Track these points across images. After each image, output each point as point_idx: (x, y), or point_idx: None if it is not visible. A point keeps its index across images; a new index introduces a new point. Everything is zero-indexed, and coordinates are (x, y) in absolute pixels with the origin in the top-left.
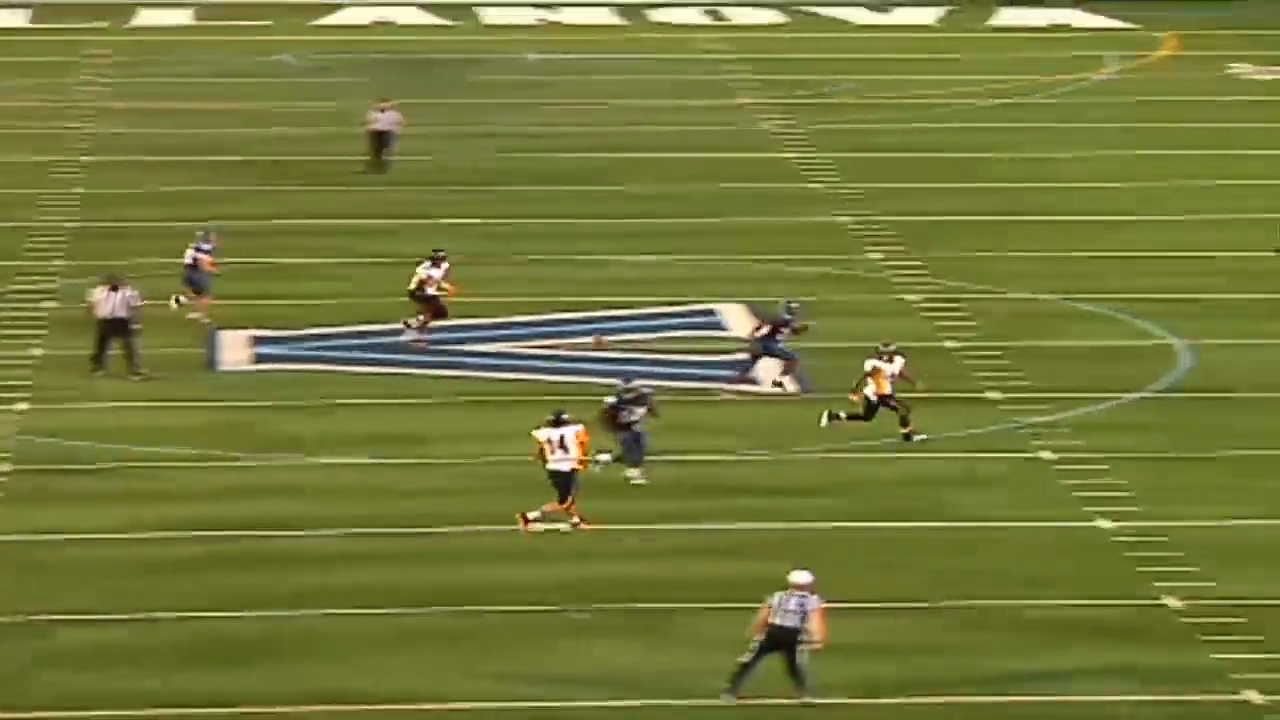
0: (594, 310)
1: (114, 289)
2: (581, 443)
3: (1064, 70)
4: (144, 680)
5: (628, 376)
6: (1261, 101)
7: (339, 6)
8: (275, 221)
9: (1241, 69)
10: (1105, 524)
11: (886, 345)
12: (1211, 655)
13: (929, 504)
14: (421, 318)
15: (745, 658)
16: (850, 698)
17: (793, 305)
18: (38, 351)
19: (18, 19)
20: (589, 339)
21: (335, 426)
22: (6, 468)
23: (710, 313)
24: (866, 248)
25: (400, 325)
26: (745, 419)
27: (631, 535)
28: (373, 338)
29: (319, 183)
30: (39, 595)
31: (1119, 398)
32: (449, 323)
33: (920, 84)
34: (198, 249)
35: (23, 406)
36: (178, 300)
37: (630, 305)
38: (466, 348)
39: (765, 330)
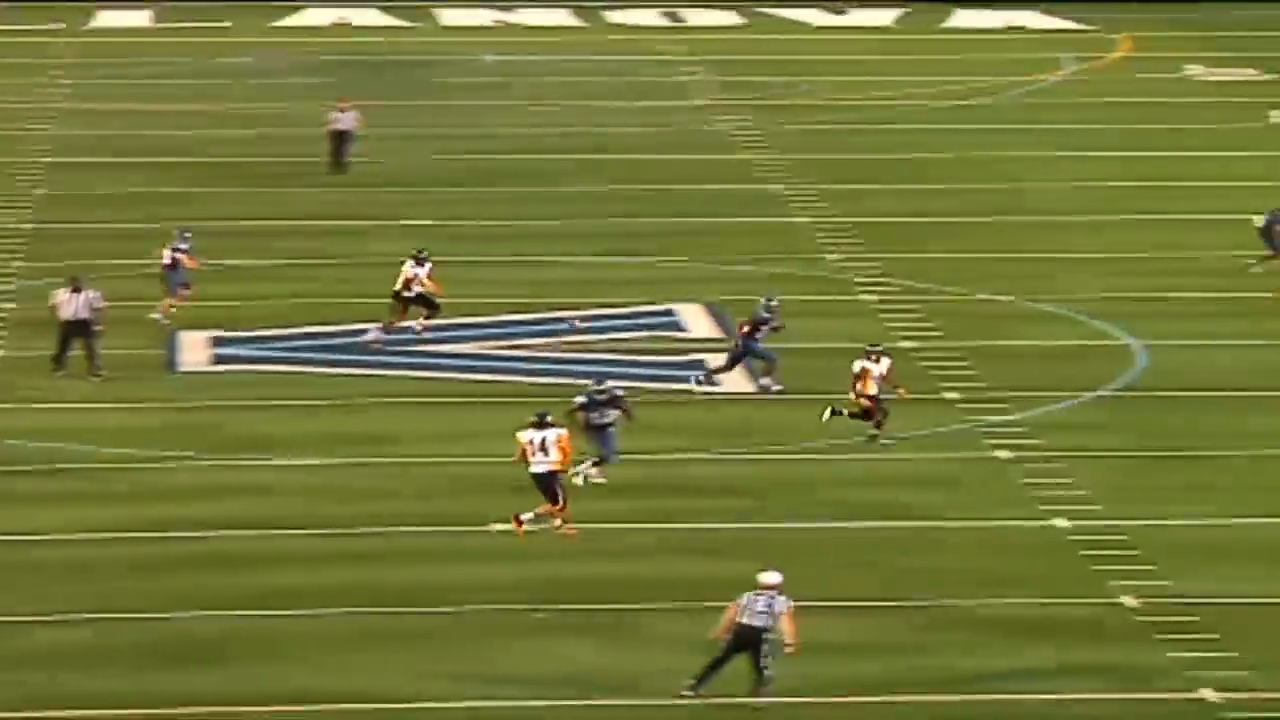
0: (550, 311)
1: (77, 290)
2: (563, 447)
3: (1020, 72)
4: (106, 680)
5: (599, 378)
6: (1215, 103)
7: (298, 7)
8: (235, 222)
9: (1196, 70)
10: (1062, 523)
11: (874, 346)
12: (1168, 654)
13: (887, 504)
14: (423, 318)
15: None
16: (809, 697)
17: (771, 303)
18: None
19: None
20: (555, 337)
21: (294, 427)
22: None
23: (669, 313)
24: (824, 248)
25: (416, 326)
26: (704, 419)
27: (591, 535)
28: (332, 338)
29: (278, 184)
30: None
31: (1076, 398)
32: (408, 323)
33: (877, 85)
34: (175, 249)
35: None
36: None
37: (589, 306)
38: (427, 348)
39: (747, 329)
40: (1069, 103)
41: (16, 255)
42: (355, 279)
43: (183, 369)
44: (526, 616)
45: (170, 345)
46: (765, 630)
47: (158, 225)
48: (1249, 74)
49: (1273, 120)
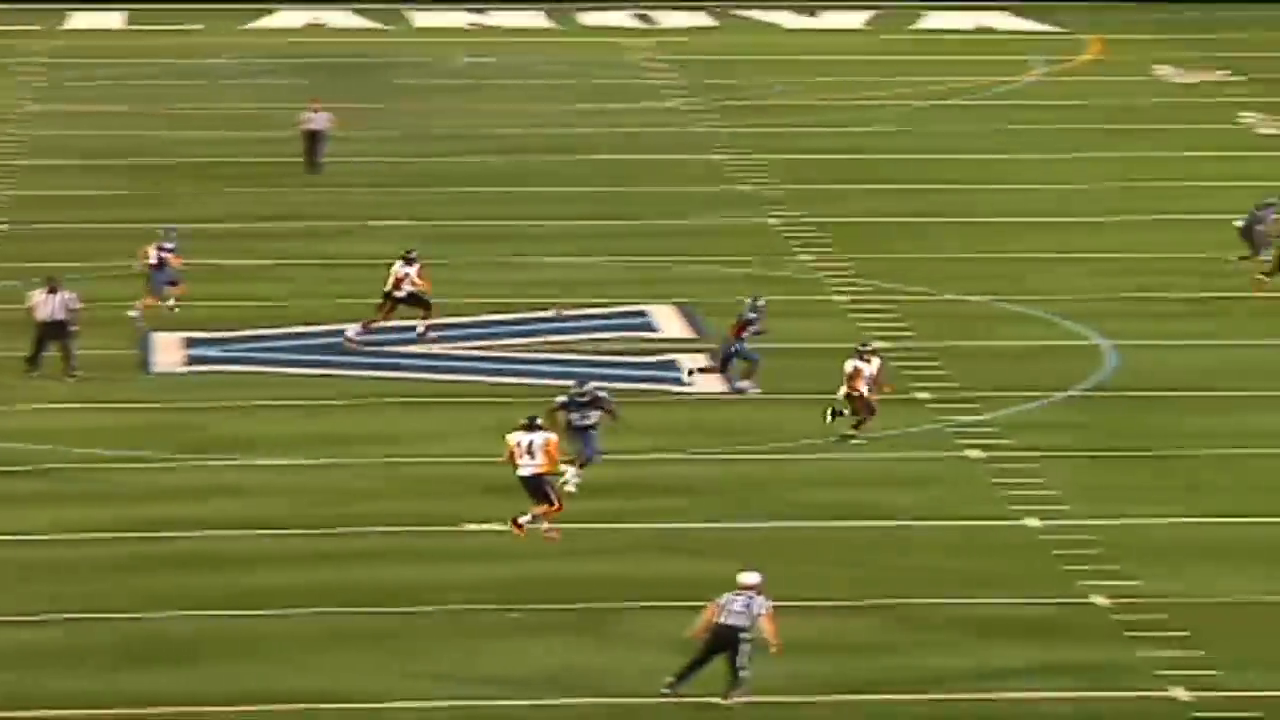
0: (525, 311)
1: (53, 291)
2: (549, 451)
3: (990, 73)
4: (82, 680)
5: (582, 380)
6: (1185, 103)
7: (271, 10)
8: (207, 224)
9: (1165, 71)
10: (1033, 523)
11: (865, 345)
12: (1138, 652)
13: (858, 504)
14: (420, 319)
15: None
16: (779, 697)
17: (758, 304)
18: None
19: None
20: (530, 337)
21: (268, 428)
22: None
23: (641, 314)
24: (795, 249)
25: (419, 328)
26: (677, 419)
27: (565, 534)
28: (305, 339)
29: (252, 185)
30: None
31: (1047, 397)
32: (389, 324)
33: (848, 86)
34: (161, 248)
35: None
36: (171, 307)
37: (562, 306)
38: (398, 349)
39: (733, 329)
40: (1039, 104)
41: None
42: (329, 280)
43: (157, 370)
44: (501, 616)
45: (144, 346)
46: (742, 630)
47: (131, 226)
48: (1218, 75)
49: (1242, 121)
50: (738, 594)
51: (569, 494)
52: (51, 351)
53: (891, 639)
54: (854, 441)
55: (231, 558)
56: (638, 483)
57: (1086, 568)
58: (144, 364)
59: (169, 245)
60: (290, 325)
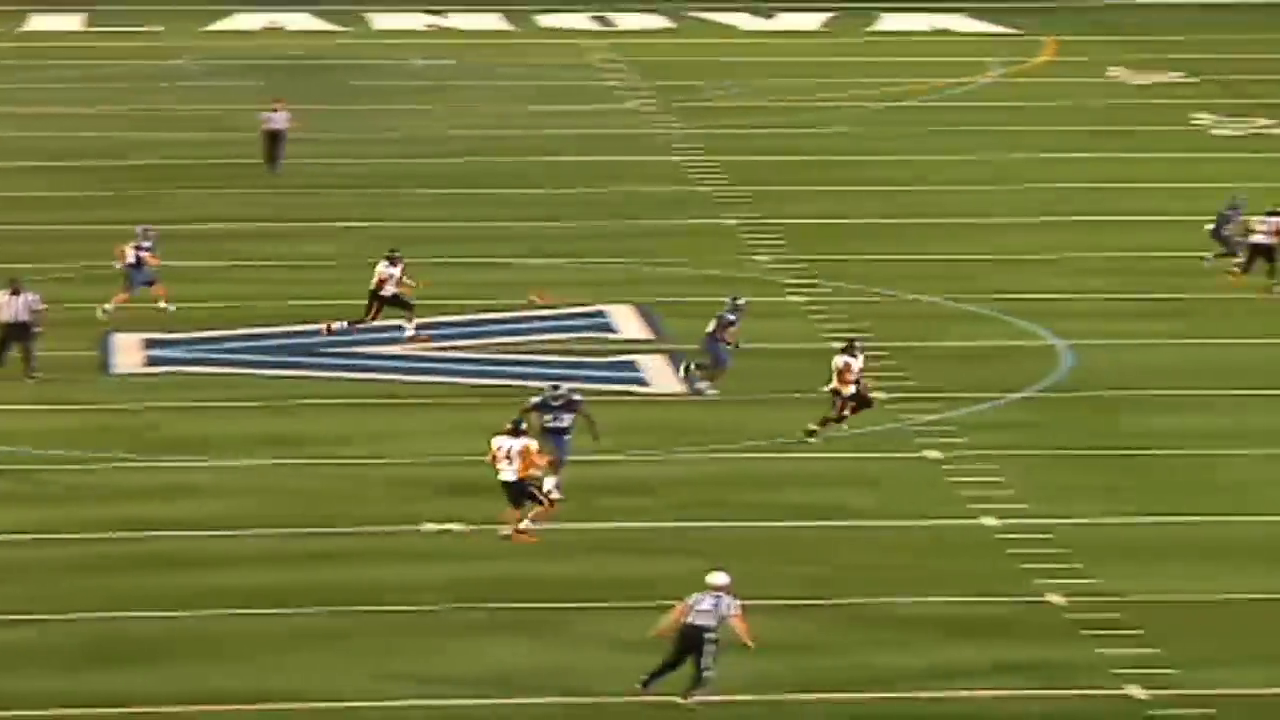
0: (484, 313)
1: (16, 293)
2: (525, 457)
3: (946, 75)
4: (44, 681)
5: (556, 384)
6: (1139, 105)
7: (229, 12)
8: (168, 226)
9: (1119, 73)
10: (990, 521)
11: (851, 342)
12: (1094, 650)
13: (817, 503)
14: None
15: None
16: (739, 695)
17: (739, 303)
18: None
19: None
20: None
21: (229, 428)
22: None
23: (600, 314)
24: (753, 250)
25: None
26: (634, 420)
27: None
28: (265, 340)
29: (212, 185)
30: None
31: (1003, 397)
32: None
33: (805, 88)
34: (139, 248)
35: None
36: (162, 308)
37: (521, 307)
38: (358, 350)
39: (711, 328)
40: (995, 105)
41: None
42: (290, 281)
43: (117, 371)
44: (460, 616)
45: (105, 347)
46: (708, 630)
47: (91, 228)
48: (1172, 76)
49: (1196, 122)
50: (707, 594)
51: (560, 500)
52: (14, 352)
53: (848, 638)
54: (813, 439)
55: (194, 558)
56: (597, 483)
57: (1043, 566)
58: (104, 365)
59: (146, 244)
60: (250, 326)
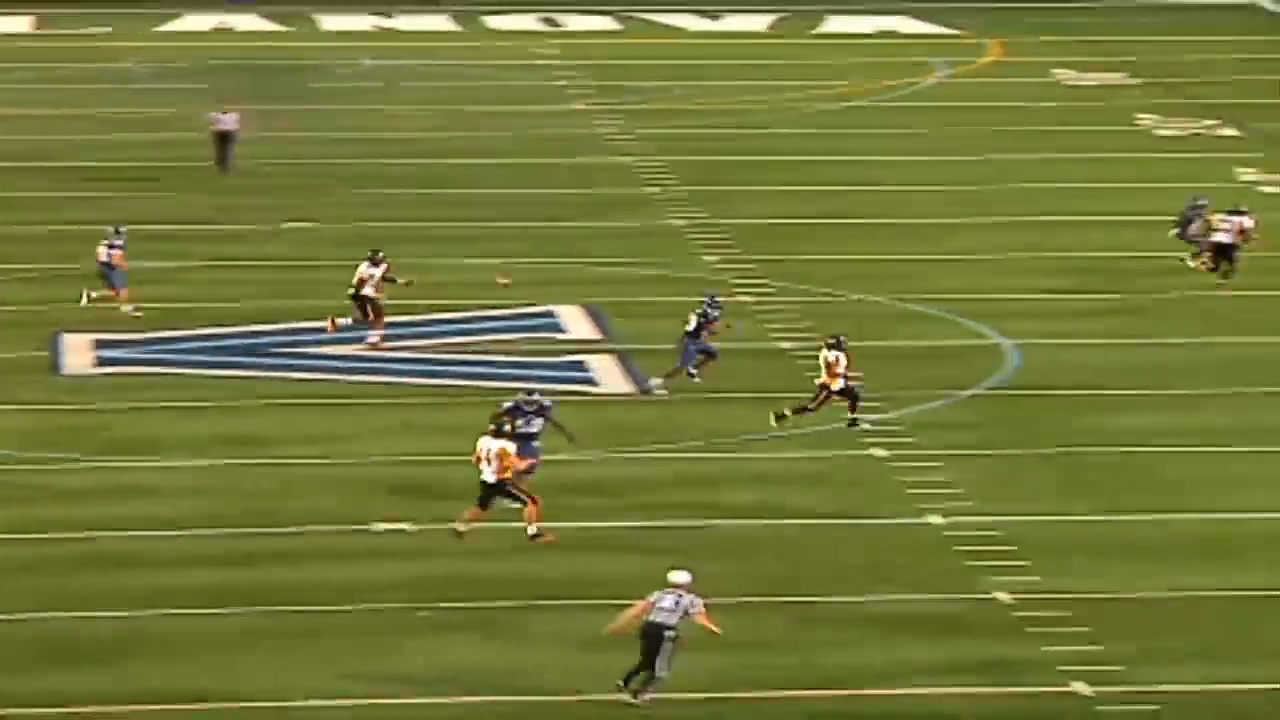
0: (433, 313)
1: None
2: (503, 459)
3: (892, 76)
4: None
5: (529, 389)
6: (1084, 106)
7: (178, 14)
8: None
9: (1065, 74)
10: (937, 520)
11: (835, 337)
12: (1041, 648)
13: (764, 502)
14: (353, 318)
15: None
16: (689, 694)
17: (716, 299)
18: None
19: None
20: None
21: (179, 429)
22: None
23: (549, 314)
24: (700, 250)
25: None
26: (586, 419)
27: (476, 533)
28: (216, 340)
29: (162, 187)
30: None
31: (950, 396)
32: (291, 325)
33: (752, 89)
34: (111, 246)
35: None
36: (88, 296)
37: (469, 308)
38: (309, 350)
39: (692, 326)
40: (940, 106)
41: None
42: (240, 281)
43: (67, 372)
44: (414, 615)
45: (54, 348)
46: (668, 628)
47: (41, 229)
48: (1116, 78)
49: (1140, 123)
50: (668, 592)
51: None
52: None
53: (796, 636)
54: (775, 425)
55: (145, 558)
56: (551, 483)
57: (990, 564)
58: (54, 366)
59: (118, 243)
60: (201, 327)
